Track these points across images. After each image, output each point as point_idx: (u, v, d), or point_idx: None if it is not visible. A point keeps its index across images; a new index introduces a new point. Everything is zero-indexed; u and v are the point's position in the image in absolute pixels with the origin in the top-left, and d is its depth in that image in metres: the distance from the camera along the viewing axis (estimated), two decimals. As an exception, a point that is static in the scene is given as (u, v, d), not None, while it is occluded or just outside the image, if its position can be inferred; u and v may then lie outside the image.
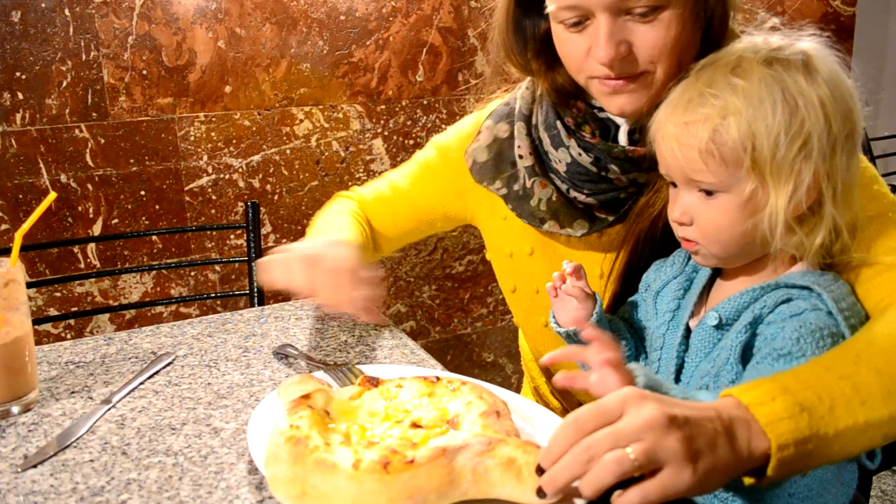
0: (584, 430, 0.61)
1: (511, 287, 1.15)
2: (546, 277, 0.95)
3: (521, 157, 1.05)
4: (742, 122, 0.77)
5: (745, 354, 0.80)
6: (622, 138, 0.97)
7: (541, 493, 0.63)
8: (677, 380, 0.88)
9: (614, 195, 0.99)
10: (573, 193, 1.02)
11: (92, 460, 0.80)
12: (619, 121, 0.97)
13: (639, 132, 0.95)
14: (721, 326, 0.83)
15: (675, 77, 0.87)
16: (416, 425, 0.72)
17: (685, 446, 0.60)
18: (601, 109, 0.98)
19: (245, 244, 1.67)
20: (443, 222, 1.23)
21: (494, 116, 1.12)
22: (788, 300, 0.79)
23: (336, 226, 1.18)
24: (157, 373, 1.01)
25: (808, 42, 0.82)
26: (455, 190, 1.17)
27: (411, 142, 2.46)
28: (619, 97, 0.91)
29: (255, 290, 1.58)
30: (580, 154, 0.98)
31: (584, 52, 0.90)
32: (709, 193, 0.81)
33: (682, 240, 0.86)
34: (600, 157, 0.97)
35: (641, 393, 0.63)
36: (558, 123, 1.01)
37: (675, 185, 0.85)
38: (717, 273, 0.90)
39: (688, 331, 0.89)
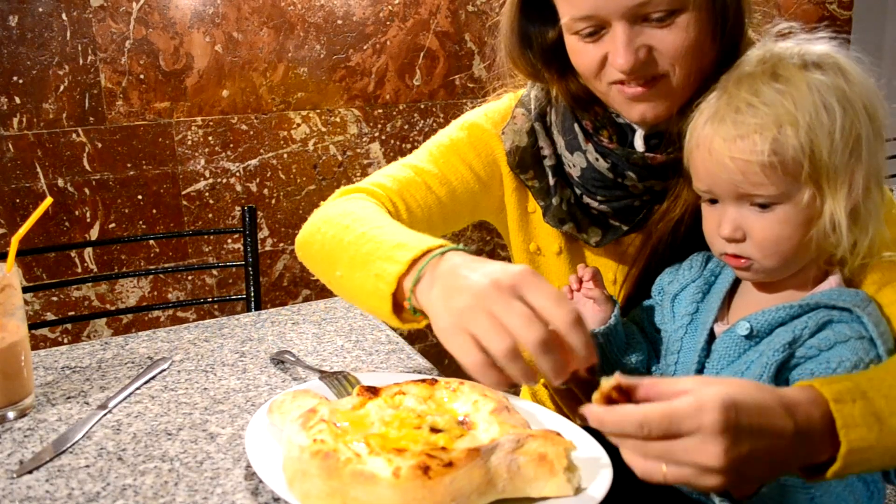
0: (647, 434, 0.61)
1: None
2: None
3: (545, 156, 1.03)
4: (800, 130, 0.75)
5: (780, 373, 0.79)
6: (638, 143, 0.95)
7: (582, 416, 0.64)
8: None
9: (628, 203, 0.98)
10: (586, 199, 1.01)
11: (88, 466, 0.80)
12: (636, 125, 0.96)
13: (656, 137, 0.94)
14: (751, 337, 0.82)
15: (695, 81, 0.86)
16: (435, 429, 0.72)
17: (726, 481, 0.61)
18: (618, 114, 0.97)
19: (242, 248, 1.67)
20: (468, 211, 1.09)
21: (525, 105, 1.07)
22: (829, 322, 0.78)
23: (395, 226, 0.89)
24: (153, 378, 1.01)
25: (825, 45, 0.82)
26: (487, 173, 1.07)
27: (409, 146, 2.46)
28: (640, 105, 0.89)
29: (252, 294, 1.57)
30: (597, 159, 0.96)
31: (599, 61, 0.88)
32: (763, 206, 0.79)
33: (729, 257, 0.83)
34: (618, 163, 0.95)
35: (724, 422, 0.59)
36: (576, 127, 0.99)
37: (712, 202, 0.83)
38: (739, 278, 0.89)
39: (710, 336, 0.87)
